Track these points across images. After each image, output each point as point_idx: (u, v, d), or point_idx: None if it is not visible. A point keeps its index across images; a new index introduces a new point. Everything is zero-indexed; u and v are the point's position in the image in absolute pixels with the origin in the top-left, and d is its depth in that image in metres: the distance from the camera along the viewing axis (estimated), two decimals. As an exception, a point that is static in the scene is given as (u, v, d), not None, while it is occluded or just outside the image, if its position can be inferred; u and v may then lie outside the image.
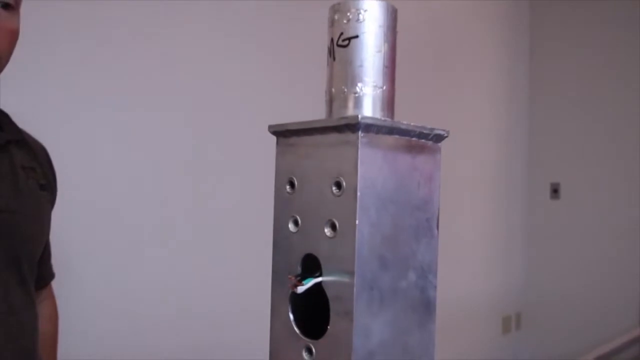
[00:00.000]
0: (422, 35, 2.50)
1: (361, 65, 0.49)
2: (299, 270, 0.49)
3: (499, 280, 3.06)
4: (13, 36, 0.73)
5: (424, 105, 2.38)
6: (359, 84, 0.49)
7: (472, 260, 2.85)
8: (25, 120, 0.87)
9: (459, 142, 2.47)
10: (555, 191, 3.09)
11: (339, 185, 0.46)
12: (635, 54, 2.84)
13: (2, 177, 0.78)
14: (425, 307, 0.50)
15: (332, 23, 0.50)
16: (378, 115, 0.49)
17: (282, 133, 0.51)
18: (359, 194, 0.44)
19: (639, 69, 2.83)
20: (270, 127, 0.52)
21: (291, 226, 0.50)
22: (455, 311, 2.56)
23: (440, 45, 2.63)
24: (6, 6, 0.71)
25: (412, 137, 0.48)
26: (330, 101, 0.50)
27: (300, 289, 0.46)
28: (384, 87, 0.49)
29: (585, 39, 3.01)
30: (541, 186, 3.15)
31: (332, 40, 0.50)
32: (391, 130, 0.46)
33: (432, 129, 0.50)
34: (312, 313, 0.49)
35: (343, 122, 0.45)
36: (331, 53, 0.50)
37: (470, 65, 2.87)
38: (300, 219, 0.49)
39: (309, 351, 0.48)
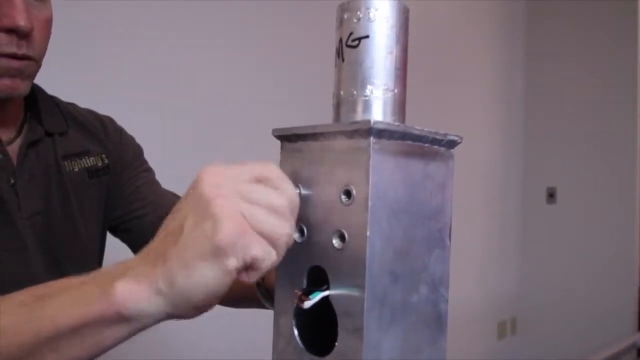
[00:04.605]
0: (415, 37, 2.48)
1: (372, 67, 0.46)
2: (304, 282, 0.46)
3: (495, 285, 3.04)
4: (47, 25, 0.71)
5: (417, 109, 2.36)
6: (369, 87, 0.46)
7: (467, 265, 2.83)
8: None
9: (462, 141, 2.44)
10: (551, 196, 3.08)
11: (348, 193, 0.43)
12: (632, 57, 2.83)
13: (38, 176, 0.76)
14: (437, 322, 0.48)
15: (340, 23, 0.48)
16: (389, 119, 0.46)
17: (288, 137, 0.49)
18: (370, 203, 0.41)
19: (636, 72, 2.82)
20: (274, 130, 0.49)
21: (296, 236, 0.47)
22: (450, 316, 2.53)
23: (434, 48, 2.60)
24: None
25: (425, 143, 0.46)
26: (338, 105, 0.48)
27: (307, 304, 0.43)
28: (395, 90, 0.47)
29: (582, 44, 3.00)
30: (537, 190, 3.14)
31: (340, 40, 0.48)
32: (404, 136, 0.44)
33: (445, 135, 0.47)
34: (317, 327, 0.47)
35: (354, 127, 0.42)
36: (340, 54, 0.48)
37: (465, 69, 2.86)
38: (307, 229, 0.46)
39: (315, 369, 0.45)
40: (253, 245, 0.40)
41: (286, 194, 0.43)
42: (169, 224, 0.43)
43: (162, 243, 0.42)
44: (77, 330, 0.42)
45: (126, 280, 0.41)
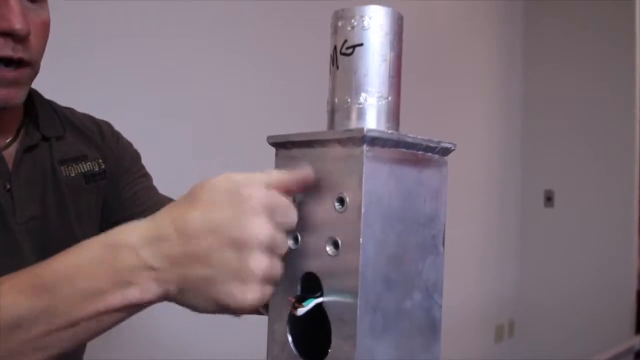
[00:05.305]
0: (412, 39, 2.48)
1: (366, 75, 0.46)
2: (298, 289, 0.47)
3: (492, 289, 3.04)
4: (45, 29, 0.70)
5: (414, 112, 2.37)
6: (363, 94, 0.46)
7: (465, 269, 2.83)
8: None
9: (456, 148, 2.44)
10: (549, 199, 3.08)
11: (342, 201, 0.43)
12: (630, 60, 2.83)
13: (34, 181, 0.75)
14: (430, 328, 0.48)
15: (335, 30, 0.48)
16: (383, 127, 0.47)
17: (282, 145, 0.49)
18: (363, 210, 0.42)
19: (634, 76, 2.83)
20: (269, 138, 0.50)
21: (290, 242, 0.47)
22: (448, 319, 2.52)
23: (431, 50, 2.61)
24: None
25: (419, 150, 0.46)
26: (333, 112, 0.48)
27: (301, 312, 0.43)
28: (389, 98, 0.47)
29: (580, 47, 3.01)
30: (535, 194, 3.14)
31: (335, 48, 0.48)
32: (397, 144, 0.44)
33: (439, 142, 0.47)
34: (311, 331, 0.47)
35: (347, 134, 0.43)
36: (334, 61, 0.48)
37: (463, 72, 2.86)
38: (300, 236, 0.47)
39: (309, 375, 0.46)
40: (263, 298, 0.43)
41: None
42: (200, 234, 0.42)
43: (185, 256, 0.43)
44: (94, 318, 0.45)
45: (142, 279, 0.43)
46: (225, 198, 0.42)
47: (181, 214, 0.43)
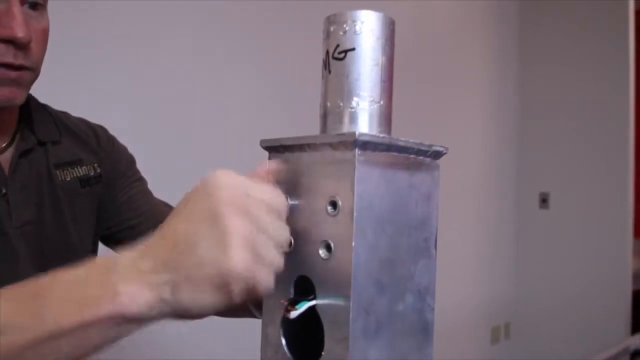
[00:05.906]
0: (406, 41, 2.49)
1: (358, 79, 0.47)
2: (291, 292, 0.47)
3: (488, 291, 3.05)
4: (45, 36, 0.72)
5: (409, 115, 2.37)
6: (355, 99, 0.47)
7: (461, 271, 2.83)
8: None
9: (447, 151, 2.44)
10: (544, 201, 3.09)
11: (334, 204, 0.44)
12: (625, 60, 2.85)
13: (29, 185, 0.75)
14: (423, 330, 0.48)
15: (327, 35, 0.48)
16: (375, 131, 0.47)
17: (275, 148, 0.49)
18: (355, 214, 0.42)
19: (630, 78, 2.84)
20: (262, 142, 0.50)
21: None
22: (444, 322, 2.54)
23: (425, 53, 2.62)
24: (34, 5, 0.69)
25: (410, 154, 0.47)
26: (325, 116, 0.48)
27: (294, 314, 0.43)
28: (381, 102, 0.48)
29: (575, 49, 3.02)
30: (530, 196, 3.15)
31: (327, 52, 0.48)
32: (389, 147, 0.45)
33: (430, 146, 0.48)
34: (305, 334, 0.47)
35: (339, 139, 0.43)
36: (326, 66, 0.48)
37: (458, 74, 2.87)
38: (294, 239, 0.47)
39: (302, 378, 0.46)
40: (258, 274, 0.42)
41: (286, 227, 0.45)
42: (179, 229, 0.43)
43: (171, 252, 0.43)
44: (80, 330, 0.43)
45: (132, 283, 0.42)
46: (201, 189, 0.43)
47: (166, 223, 0.45)
